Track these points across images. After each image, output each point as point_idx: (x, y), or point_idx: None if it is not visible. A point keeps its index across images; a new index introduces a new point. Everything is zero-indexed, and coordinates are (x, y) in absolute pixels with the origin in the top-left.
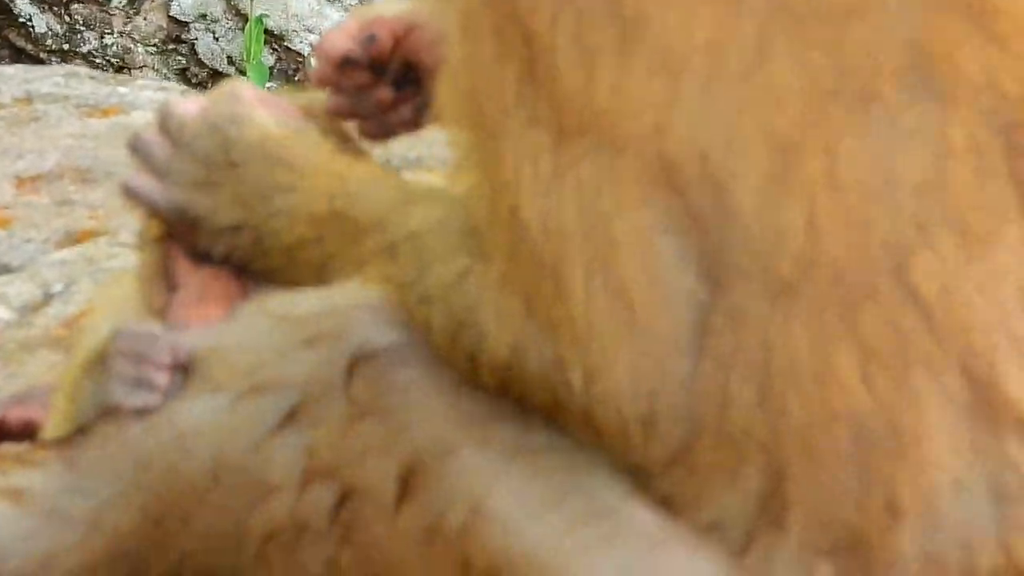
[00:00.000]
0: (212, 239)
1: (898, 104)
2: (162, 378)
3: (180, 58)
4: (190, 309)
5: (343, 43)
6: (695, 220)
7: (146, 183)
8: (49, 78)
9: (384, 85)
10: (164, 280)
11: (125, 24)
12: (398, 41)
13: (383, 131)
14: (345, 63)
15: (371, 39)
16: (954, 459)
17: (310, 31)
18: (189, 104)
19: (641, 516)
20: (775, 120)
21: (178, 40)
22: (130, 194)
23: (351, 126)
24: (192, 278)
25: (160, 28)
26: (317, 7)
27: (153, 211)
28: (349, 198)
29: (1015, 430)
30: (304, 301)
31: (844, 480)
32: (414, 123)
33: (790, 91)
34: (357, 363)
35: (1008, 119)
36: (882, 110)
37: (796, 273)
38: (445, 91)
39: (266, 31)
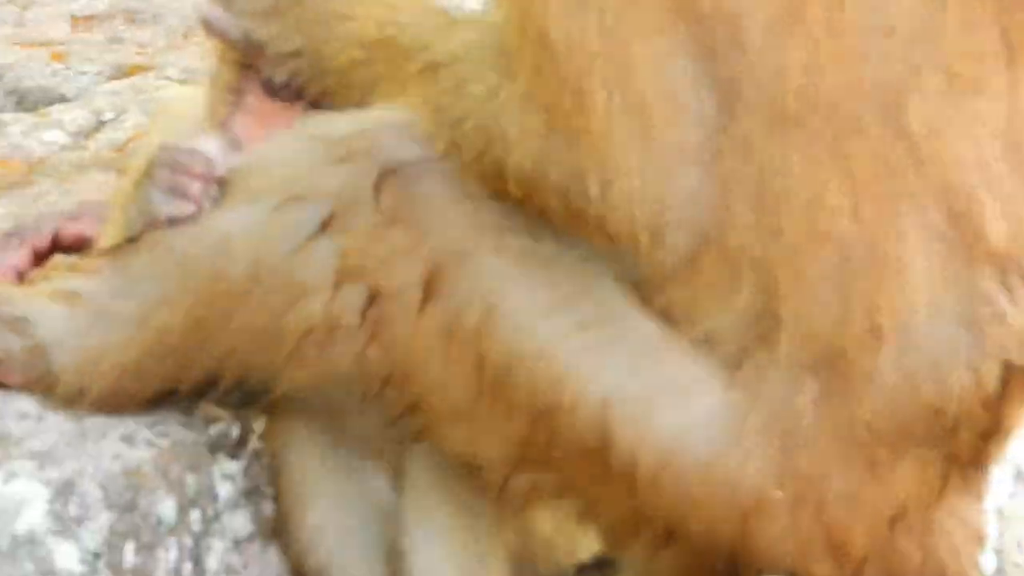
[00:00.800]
0: (275, 64)
1: None
2: (196, 187)
3: None
4: (249, 129)
5: None
6: (708, 50)
7: (219, 14)
8: None
9: None
10: (233, 97)
11: None
12: None
13: None
14: None
15: None
16: (931, 286)
17: None
18: None
19: (643, 324)
20: None
21: None
22: (205, 25)
23: None
24: (259, 103)
25: None
26: None
27: (222, 39)
28: (397, 25)
29: (987, 262)
30: (338, 121)
31: (829, 301)
32: None
33: None
34: (385, 176)
35: None
36: None
37: (796, 107)
38: None
39: None
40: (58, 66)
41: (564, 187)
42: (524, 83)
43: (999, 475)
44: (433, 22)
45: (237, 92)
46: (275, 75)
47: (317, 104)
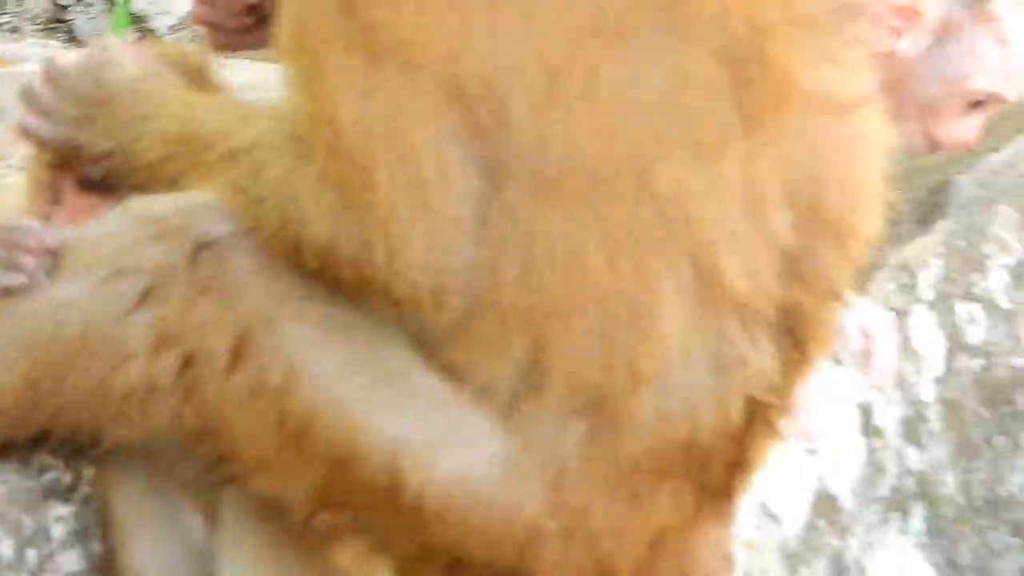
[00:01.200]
0: (90, 163)
1: (646, 40)
2: (30, 261)
3: (60, 35)
4: (66, 221)
5: None
6: (479, 131)
7: (36, 121)
8: None
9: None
10: (50, 196)
11: (17, 5)
12: None
13: (232, 45)
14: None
15: None
16: (683, 335)
17: (167, 13)
18: (69, 56)
19: (428, 379)
20: (546, 50)
21: (59, 20)
22: (23, 131)
23: (210, 59)
24: (75, 198)
25: (45, 9)
26: None
27: (43, 143)
28: (197, 121)
29: (731, 312)
30: (157, 202)
31: (593, 351)
32: (257, 44)
33: (559, 27)
34: (199, 250)
35: (735, 54)
36: (633, 44)
37: (557, 176)
38: (282, 23)
39: (131, 13)
40: None
41: (355, 258)
42: (318, 165)
43: (746, 508)
44: (231, 114)
45: (54, 189)
46: (91, 172)
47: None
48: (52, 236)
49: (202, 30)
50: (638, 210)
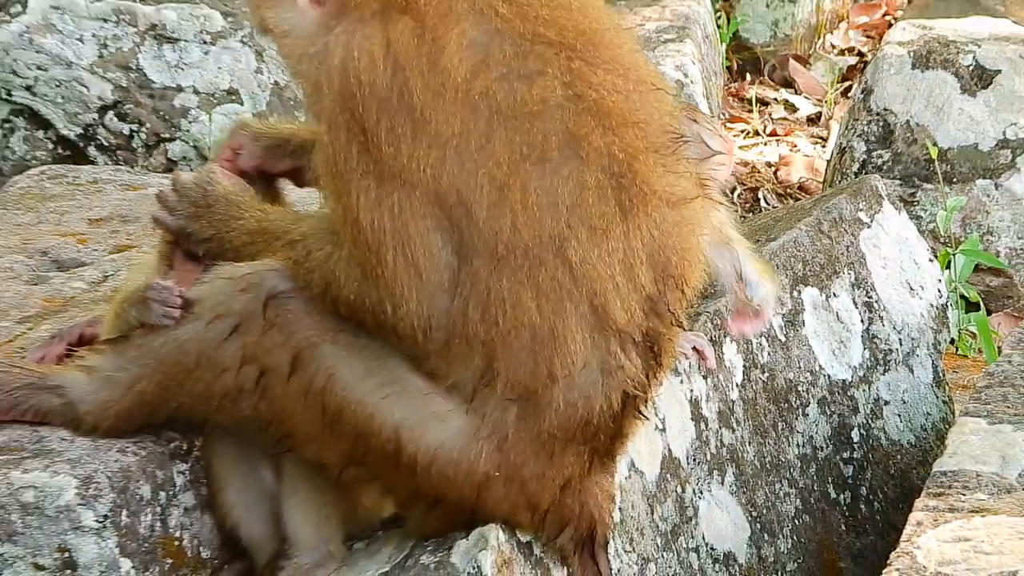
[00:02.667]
0: (197, 245)
1: (559, 163)
2: (175, 313)
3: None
4: (180, 280)
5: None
6: (453, 225)
7: (164, 215)
8: (103, 170)
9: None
10: (167, 265)
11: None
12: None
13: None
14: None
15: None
16: (583, 351)
17: None
18: (186, 175)
19: (417, 382)
20: (496, 172)
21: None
22: (156, 221)
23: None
24: (184, 265)
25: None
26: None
27: (166, 230)
28: (268, 221)
29: (614, 336)
30: (241, 268)
31: (525, 362)
32: (304, 182)
33: (504, 157)
34: (269, 299)
35: (616, 171)
36: (551, 165)
37: (505, 251)
38: (321, 163)
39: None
40: (82, 246)
41: (372, 310)
42: (346, 250)
43: (622, 465)
44: (289, 217)
45: (170, 260)
46: (197, 250)
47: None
48: (180, 292)
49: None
50: (556, 272)
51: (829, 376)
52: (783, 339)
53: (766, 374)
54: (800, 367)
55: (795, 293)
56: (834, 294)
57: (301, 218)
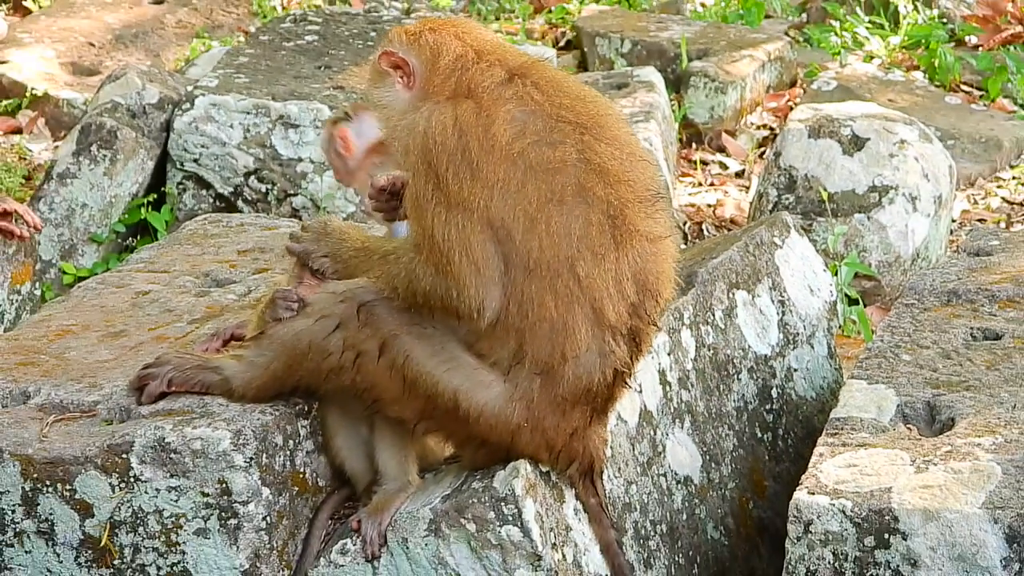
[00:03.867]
0: (317, 261)
1: (573, 205)
2: (294, 307)
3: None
4: (306, 291)
5: (380, 182)
6: (500, 240)
7: (294, 245)
8: (248, 217)
9: (391, 198)
10: (297, 279)
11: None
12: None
13: (390, 216)
14: (379, 191)
15: (391, 182)
16: (586, 339)
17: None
18: (312, 221)
19: (469, 359)
20: (528, 208)
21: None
22: (287, 249)
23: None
24: (309, 280)
25: (289, 212)
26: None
27: (296, 254)
28: (369, 242)
29: (608, 330)
30: (341, 285)
31: (546, 346)
32: (401, 215)
33: (534, 198)
34: (361, 306)
35: (612, 214)
36: (567, 207)
37: (533, 266)
38: (408, 199)
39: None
40: (232, 270)
41: (441, 296)
42: (424, 255)
43: (612, 417)
44: (382, 239)
45: (299, 276)
46: (318, 267)
47: (334, 278)
48: (299, 297)
49: (368, 208)
50: (568, 282)
51: (755, 352)
52: (723, 326)
53: (711, 351)
54: (735, 346)
55: (731, 294)
56: (758, 295)
57: (391, 239)
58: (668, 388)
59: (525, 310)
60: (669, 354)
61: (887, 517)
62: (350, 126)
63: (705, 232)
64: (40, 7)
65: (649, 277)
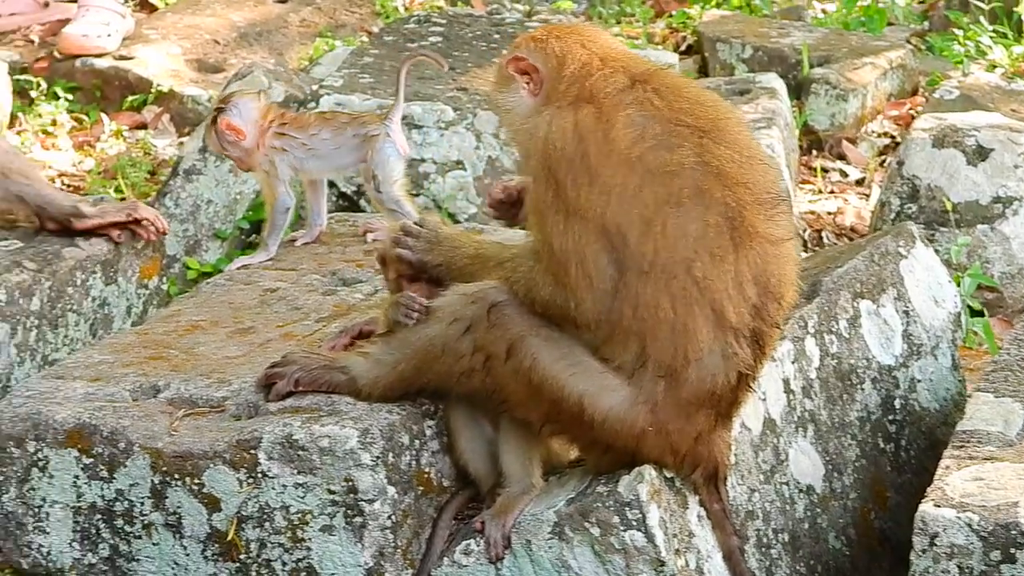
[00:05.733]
0: (431, 270)
1: (690, 208)
2: (416, 313)
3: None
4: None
5: (497, 193)
6: (615, 247)
7: (406, 252)
8: (372, 216)
9: (510, 207)
10: (397, 288)
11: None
12: (513, 189)
13: (510, 222)
14: (498, 203)
15: (506, 190)
16: (708, 342)
17: (468, 207)
18: (414, 225)
19: (594, 363)
20: (644, 212)
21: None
22: (399, 258)
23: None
24: (422, 287)
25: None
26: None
27: (408, 262)
28: (482, 248)
29: (729, 331)
30: (471, 287)
31: (668, 349)
32: (519, 220)
33: (651, 201)
34: (491, 307)
35: (730, 216)
36: (684, 209)
37: (649, 268)
38: (529, 204)
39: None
40: (359, 269)
41: (560, 307)
42: (543, 265)
43: (736, 424)
44: (498, 245)
45: (398, 286)
46: (431, 274)
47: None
48: (425, 302)
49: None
50: (685, 284)
51: (879, 362)
52: (847, 336)
53: (835, 360)
54: (859, 356)
55: (855, 304)
56: (882, 305)
57: (506, 246)
58: (792, 397)
59: (642, 313)
60: (793, 362)
61: (1014, 531)
62: (229, 115)
63: (825, 240)
64: (166, 4)
65: (771, 279)
